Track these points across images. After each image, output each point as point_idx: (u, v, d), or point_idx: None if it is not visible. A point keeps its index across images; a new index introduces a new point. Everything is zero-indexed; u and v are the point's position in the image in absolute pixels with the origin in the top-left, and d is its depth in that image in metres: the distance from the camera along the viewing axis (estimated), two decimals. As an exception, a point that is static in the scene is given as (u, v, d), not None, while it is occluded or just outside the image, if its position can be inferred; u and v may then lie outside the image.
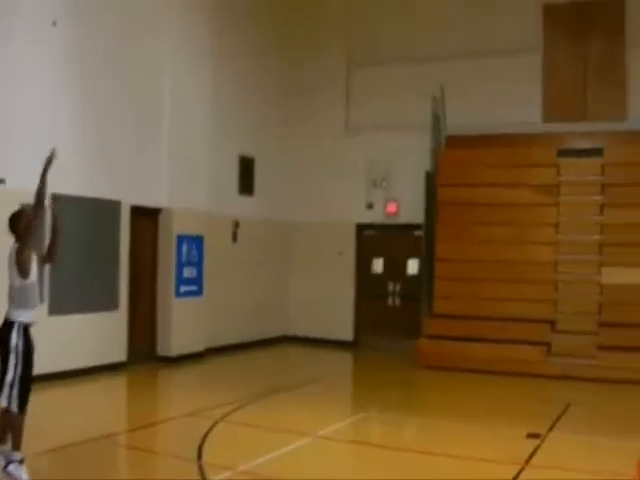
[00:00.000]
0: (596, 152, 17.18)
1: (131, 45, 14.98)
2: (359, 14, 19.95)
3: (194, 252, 16.47)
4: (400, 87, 19.11)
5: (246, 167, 18.75)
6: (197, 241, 16.55)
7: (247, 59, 18.68)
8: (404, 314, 18.85)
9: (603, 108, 17.69)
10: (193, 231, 16.46)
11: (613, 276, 16.22)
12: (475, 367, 15.49)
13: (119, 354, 14.79)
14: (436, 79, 18.17)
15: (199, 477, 8.02)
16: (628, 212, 16.44)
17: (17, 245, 7.59)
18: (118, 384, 14.11)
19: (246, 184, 18.77)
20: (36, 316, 7.79)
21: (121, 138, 14.81)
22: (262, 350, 18.48)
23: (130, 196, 15.00)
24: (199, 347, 16.57)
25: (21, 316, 7.56)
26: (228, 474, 8.18)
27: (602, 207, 16.83)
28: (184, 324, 16.13)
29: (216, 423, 10.46)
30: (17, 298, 7.57)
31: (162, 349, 15.91)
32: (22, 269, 7.54)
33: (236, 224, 18.22)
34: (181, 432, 10.59)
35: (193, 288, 16.49)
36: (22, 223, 7.57)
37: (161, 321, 16.00)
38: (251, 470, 8.35)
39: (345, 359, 18.71)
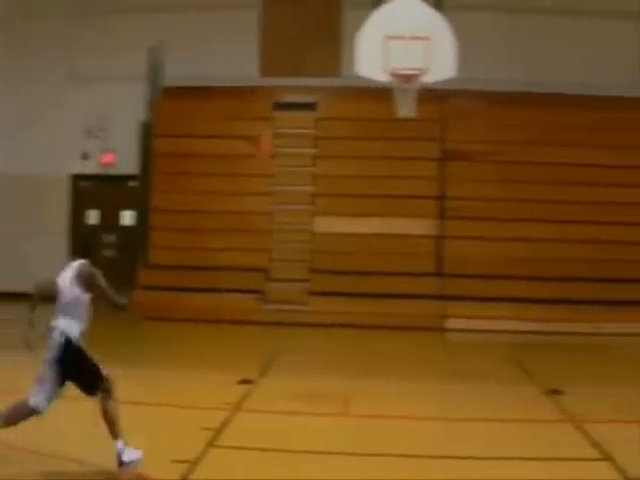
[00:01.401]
0: (310, 106, 17.69)
1: None
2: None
3: None
4: (119, 38, 18.60)
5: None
6: None
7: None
8: (120, 266, 18.58)
9: (319, 65, 18.12)
10: None
11: (324, 225, 16.86)
12: (192, 317, 15.61)
13: None
14: (156, 31, 17.92)
15: None
16: (339, 164, 17.07)
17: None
18: None
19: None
20: None
21: None
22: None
23: None
24: None
25: None
26: None
27: (315, 159, 17.37)
28: None
29: None
30: None
31: None
32: None
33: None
34: None
35: None
36: None
37: None
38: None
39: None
